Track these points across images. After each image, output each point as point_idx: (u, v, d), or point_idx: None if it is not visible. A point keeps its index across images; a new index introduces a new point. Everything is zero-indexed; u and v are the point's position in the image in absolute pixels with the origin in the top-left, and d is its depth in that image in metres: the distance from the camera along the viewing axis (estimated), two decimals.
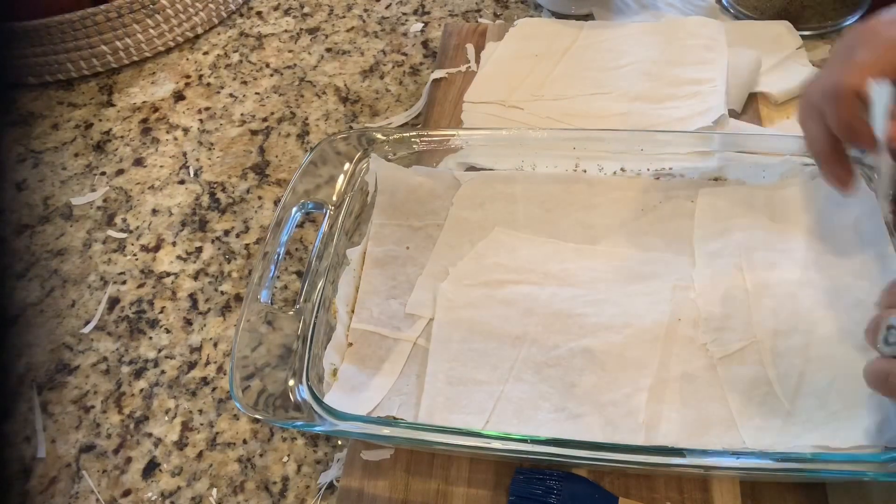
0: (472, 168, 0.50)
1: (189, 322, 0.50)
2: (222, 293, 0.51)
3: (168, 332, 0.50)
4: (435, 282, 0.44)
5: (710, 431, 0.37)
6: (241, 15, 0.72)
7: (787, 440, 0.36)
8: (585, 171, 0.48)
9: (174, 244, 0.54)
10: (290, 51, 0.68)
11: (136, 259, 0.54)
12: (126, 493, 0.43)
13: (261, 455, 0.43)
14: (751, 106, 0.54)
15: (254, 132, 0.61)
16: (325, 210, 0.46)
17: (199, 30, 0.70)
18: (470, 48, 0.61)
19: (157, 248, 0.54)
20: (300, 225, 0.52)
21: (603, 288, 0.43)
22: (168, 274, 0.53)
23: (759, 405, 0.37)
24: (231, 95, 0.65)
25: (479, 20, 0.67)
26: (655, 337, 0.40)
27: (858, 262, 0.41)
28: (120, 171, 0.60)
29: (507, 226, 0.46)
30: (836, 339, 0.38)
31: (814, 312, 0.40)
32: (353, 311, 0.43)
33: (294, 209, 0.46)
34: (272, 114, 0.62)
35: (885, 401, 0.36)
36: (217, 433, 0.45)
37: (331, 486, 0.42)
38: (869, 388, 0.33)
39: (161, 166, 0.60)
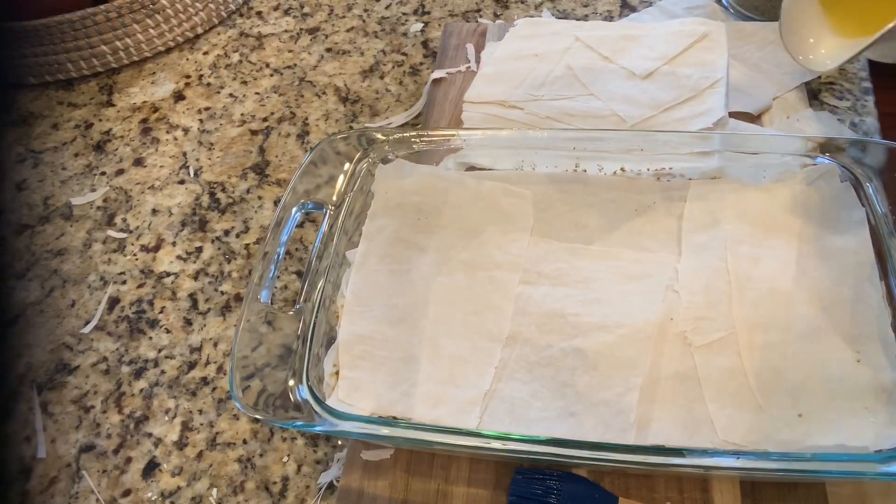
0: (472, 168, 0.50)
1: (189, 322, 0.50)
2: (222, 293, 0.51)
3: (168, 332, 0.50)
4: (428, 281, 0.44)
5: (701, 430, 0.37)
6: (241, 15, 0.72)
7: (759, 437, 0.36)
8: (585, 171, 0.48)
9: (174, 244, 0.55)
10: (290, 51, 0.68)
11: (136, 259, 0.54)
12: (126, 493, 0.43)
13: (261, 455, 0.43)
14: None
15: (254, 132, 0.61)
16: (325, 210, 0.46)
17: (199, 30, 0.70)
18: (470, 48, 0.61)
19: (157, 248, 0.54)
20: (300, 225, 0.52)
21: (596, 288, 0.43)
22: (168, 274, 0.53)
23: (733, 396, 0.38)
24: (231, 95, 0.65)
25: (479, 20, 0.67)
26: (647, 336, 0.40)
27: (839, 267, 0.41)
28: (120, 171, 0.60)
29: (500, 225, 0.46)
30: (812, 339, 0.39)
31: (793, 310, 0.40)
32: (353, 312, 0.43)
33: (294, 209, 0.46)
34: (272, 114, 0.62)
35: (859, 406, 0.36)
36: (217, 433, 0.45)
37: (331, 486, 0.42)
38: None
39: (161, 166, 0.60)
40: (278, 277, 0.50)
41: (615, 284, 0.43)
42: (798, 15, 0.44)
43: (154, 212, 0.57)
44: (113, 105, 0.66)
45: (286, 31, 0.70)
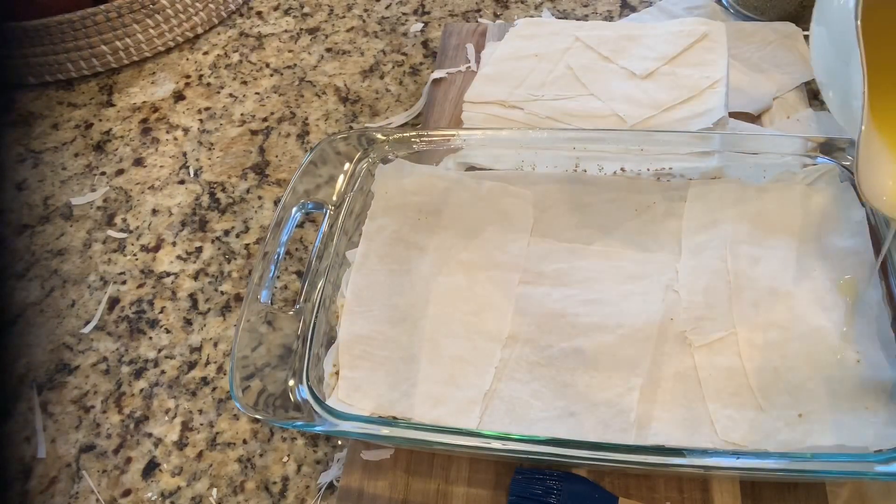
0: (471, 168, 0.50)
1: (189, 322, 0.50)
2: (222, 293, 0.51)
3: (168, 332, 0.50)
4: (428, 281, 0.44)
5: (701, 430, 0.37)
6: (241, 15, 0.72)
7: (759, 437, 0.36)
8: (585, 171, 0.48)
9: (174, 244, 0.55)
10: (290, 51, 0.68)
11: (136, 259, 0.54)
12: (126, 493, 0.43)
13: (261, 455, 0.43)
14: None
15: (254, 132, 0.61)
16: (325, 210, 0.46)
17: (199, 30, 0.70)
18: (470, 48, 0.61)
19: (157, 248, 0.54)
20: (300, 225, 0.52)
21: (596, 288, 0.43)
22: (168, 274, 0.53)
23: (732, 395, 0.38)
24: (231, 95, 0.65)
25: (479, 20, 0.67)
26: (648, 336, 0.40)
27: (839, 267, 0.41)
28: (120, 171, 0.60)
29: (500, 225, 0.46)
30: (812, 339, 0.39)
31: (793, 310, 0.40)
32: (353, 312, 0.43)
33: (294, 209, 0.46)
34: (272, 114, 0.62)
35: (859, 406, 0.36)
36: (217, 433, 0.45)
37: (331, 486, 0.42)
38: None
39: (161, 166, 0.60)
40: (278, 277, 0.50)
41: (615, 284, 0.43)
42: (874, 156, 0.39)
43: (154, 212, 0.57)
44: (113, 105, 0.66)
45: (286, 31, 0.70)
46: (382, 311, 0.43)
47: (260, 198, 0.57)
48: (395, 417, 0.39)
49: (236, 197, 0.57)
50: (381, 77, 0.64)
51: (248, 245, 0.54)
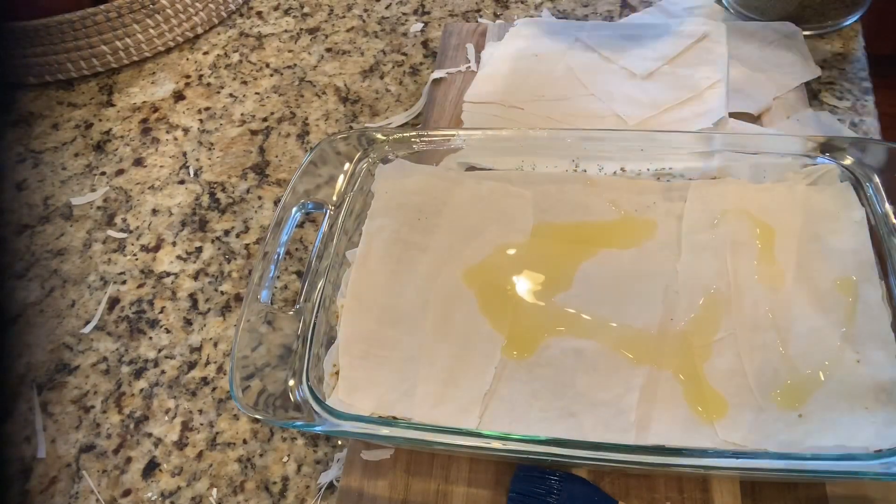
0: (472, 168, 0.50)
1: (189, 322, 0.50)
2: (222, 293, 0.51)
3: (168, 332, 0.50)
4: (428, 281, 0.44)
5: (701, 430, 0.37)
6: (241, 15, 0.72)
7: (759, 437, 0.36)
8: (585, 171, 0.48)
9: (174, 244, 0.55)
10: (290, 51, 0.68)
11: (136, 259, 0.54)
12: (126, 493, 0.43)
13: (261, 455, 0.43)
14: None
15: (254, 132, 0.61)
16: (325, 210, 0.46)
17: (199, 30, 0.70)
18: (470, 48, 0.61)
19: (157, 248, 0.54)
20: (300, 225, 0.52)
21: (596, 288, 0.43)
22: (168, 274, 0.53)
23: (733, 396, 0.37)
24: (231, 95, 0.65)
25: (479, 20, 0.67)
26: (648, 337, 0.40)
27: (839, 267, 0.41)
28: (120, 171, 0.60)
29: (501, 225, 0.46)
30: (812, 339, 0.39)
31: (793, 311, 0.40)
32: (353, 312, 0.43)
33: (294, 209, 0.46)
34: (272, 114, 0.62)
35: (858, 406, 0.36)
36: (217, 433, 0.45)
37: (331, 486, 0.42)
38: None
39: (161, 166, 0.60)
40: (278, 277, 0.50)
41: (615, 284, 0.43)
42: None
43: (154, 212, 0.57)
44: (113, 105, 0.66)
45: (286, 31, 0.70)
46: (382, 311, 0.43)
47: (260, 198, 0.57)
48: (395, 417, 0.39)
49: (236, 197, 0.57)
50: (381, 77, 0.64)
51: (248, 245, 0.54)
